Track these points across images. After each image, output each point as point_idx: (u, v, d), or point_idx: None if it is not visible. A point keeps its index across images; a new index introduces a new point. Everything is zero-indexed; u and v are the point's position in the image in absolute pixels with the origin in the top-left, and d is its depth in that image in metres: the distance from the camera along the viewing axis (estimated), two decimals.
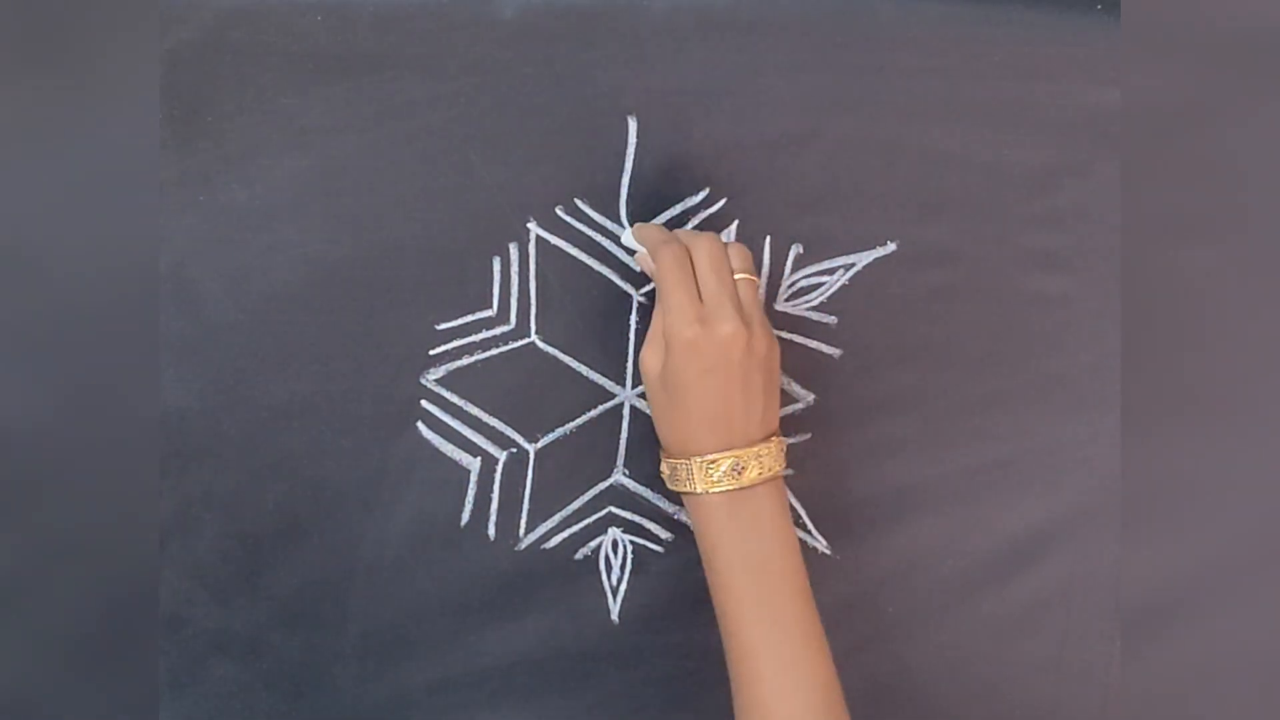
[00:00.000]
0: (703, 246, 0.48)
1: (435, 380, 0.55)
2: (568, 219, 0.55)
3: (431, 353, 0.55)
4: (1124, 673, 0.56)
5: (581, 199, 0.54)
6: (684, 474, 0.48)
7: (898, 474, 0.56)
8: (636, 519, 0.57)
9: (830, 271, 0.55)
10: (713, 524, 0.48)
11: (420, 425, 0.55)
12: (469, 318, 0.55)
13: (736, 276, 0.48)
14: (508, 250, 0.55)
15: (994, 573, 0.57)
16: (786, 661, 0.46)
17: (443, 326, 0.55)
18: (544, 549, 0.57)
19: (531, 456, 0.56)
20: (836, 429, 0.56)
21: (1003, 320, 0.56)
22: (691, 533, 0.57)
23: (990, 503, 0.56)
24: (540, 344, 0.55)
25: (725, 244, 0.49)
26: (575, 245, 0.55)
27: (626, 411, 0.56)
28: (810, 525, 0.57)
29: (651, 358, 0.49)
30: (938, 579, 0.57)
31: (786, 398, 0.56)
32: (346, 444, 0.55)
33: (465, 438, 0.56)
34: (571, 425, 0.56)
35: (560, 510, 0.56)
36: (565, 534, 0.56)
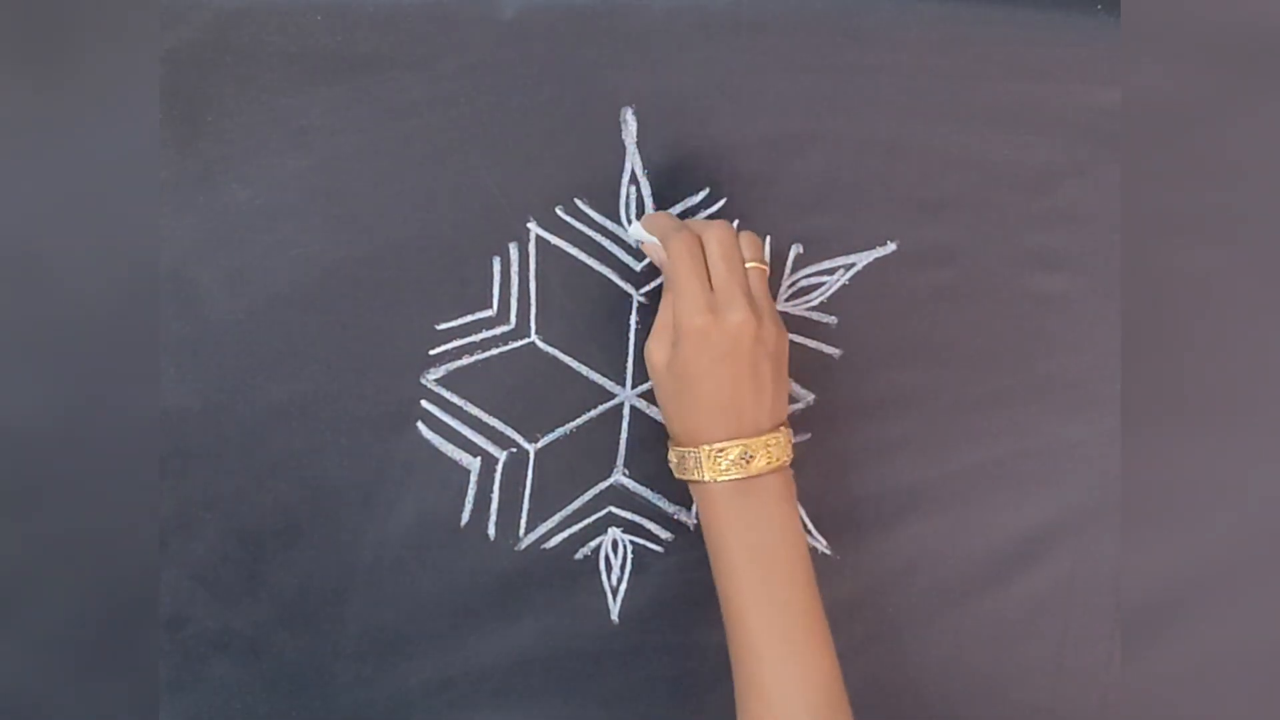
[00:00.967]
0: (714, 235, 0.48)
1: (435, 380, 0.55)
2: (568, 219, 0.55)
3: (431, 353, 0.55)
4: (1124, 673, 0.56)
5: (581, 199, 0.54)
6: (692, 462, 0.48)
7: (898, 474, 0.56)
8: (636, 519, 0.57)
9: (830, 271, 0.55)
10: (720, 513, 0.48)
11: (420, 425, 0.55)
12: (469, 318, 0.55)
13: (748, 265, 0.48)
14: (508, 250, 0.55)
15: (994, 573, 0.57)
16: (788, 651, 0.46)
17: (443, 326, 0.55)
18: (544, 549, 0.57)
19: (531, 456, 0.56)
20: (836, 429, 0.56)
21: (1003, 320, 0.56)
22: (692, 533, 0.57)
23: (990, 503, 0.56)
24: (540, 344, 0.55)
25: (737, 233, 0.49)
26: (575, 245, 0.55)
27: (626, 411, 0.56)
28: (810, 525, 0.57)
29: (658, 348, 0.49)
30: (938, 579, 0.57)
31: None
32: (346, 444, 0.55)
33: (465, 438, 0.56)
34: (571, 425, 0.56)
35: (560, 510, 0.56)
36: (565, 534, 0.56)
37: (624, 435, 0.56)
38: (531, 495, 0.56)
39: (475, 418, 0.56)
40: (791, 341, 0.55)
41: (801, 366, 0.55)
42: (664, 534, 0.57)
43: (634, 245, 0.55)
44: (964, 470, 0.56)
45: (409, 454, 0.56)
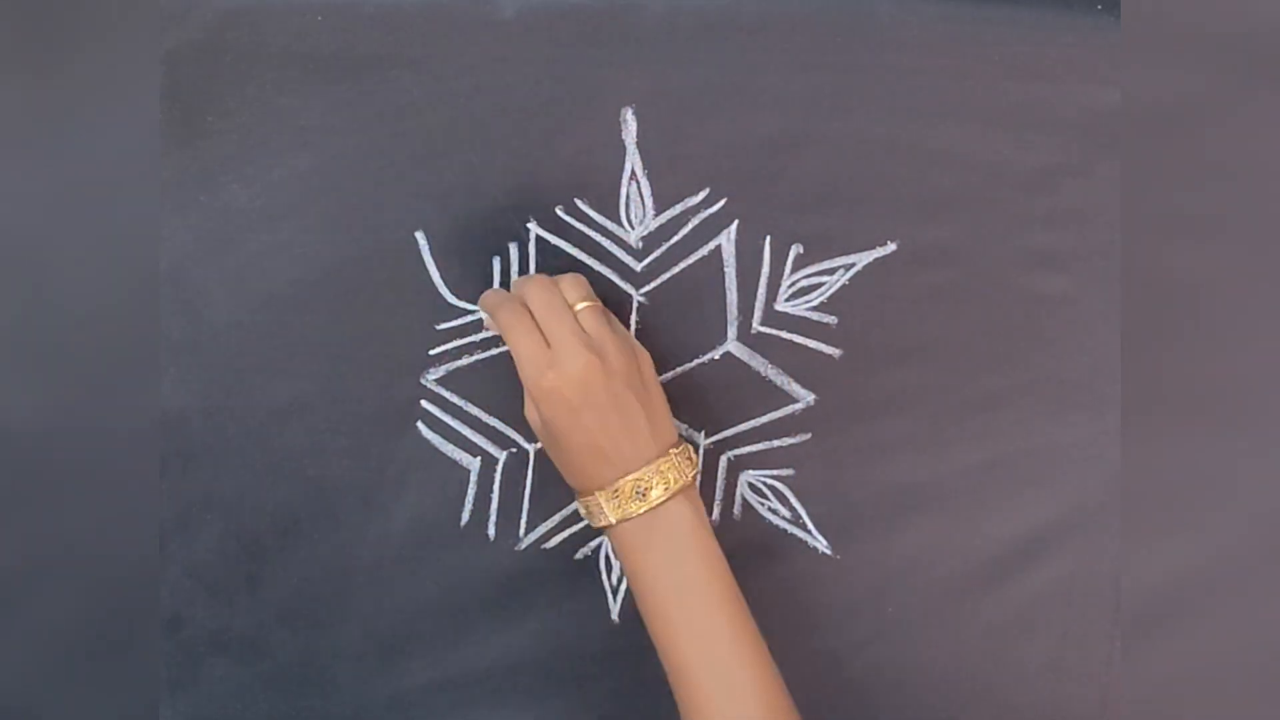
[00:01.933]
0: (530, 292, 0.49)
1: (435, 380, 0.55)
2: (568, 219, 0.55)
3: (431, 353, 0.55)
4: (1124, 673, 0.56)
5: (581, 199, 0.54)
6: (595, 509, 0.49)
7: (898, 474, 0.56)
8: None
9: (830, 271, 0.55)
10: (634, 551, 0.48)
11: (420, 425, 0.56)
12: (469, 318, 0.55)
13: (579, 308, 0.48)
14: (508, 250, 0.55)
15: (994, 572, 0.57)
16: (720, 673, 0.47)
17: (443, 326, 0.55)
18: (544, 549, 0.57)
19: (531, 456, 0.56)
20: (836, 429, 0.56)
21: (1003, 320, 0.56)
22: None
23: (990, 503, 0.56)
24: None
25: (556, 280, 0.49)
26: (575, 245, 0.55)
27: None
28: (810, 525, 0.57)
29: (529, 413, 0.50)
30: (938, 579, 0.57)
31: (787, 398, 0.56)
32: (346, 444, 0.55)
33: (465, 438, 0.56)
34: None
35: (560, 510, 0.56)
36: (565, 534, 0.56)
37: None
38: (531, 495, 0.56)
39: (475, 418, 0.56)
40: (792, 341, 0.55)
41: (801, 366, 0.55)
42: None
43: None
44: (964, 470, 0.56)
45: (409, 454, 0.56)
